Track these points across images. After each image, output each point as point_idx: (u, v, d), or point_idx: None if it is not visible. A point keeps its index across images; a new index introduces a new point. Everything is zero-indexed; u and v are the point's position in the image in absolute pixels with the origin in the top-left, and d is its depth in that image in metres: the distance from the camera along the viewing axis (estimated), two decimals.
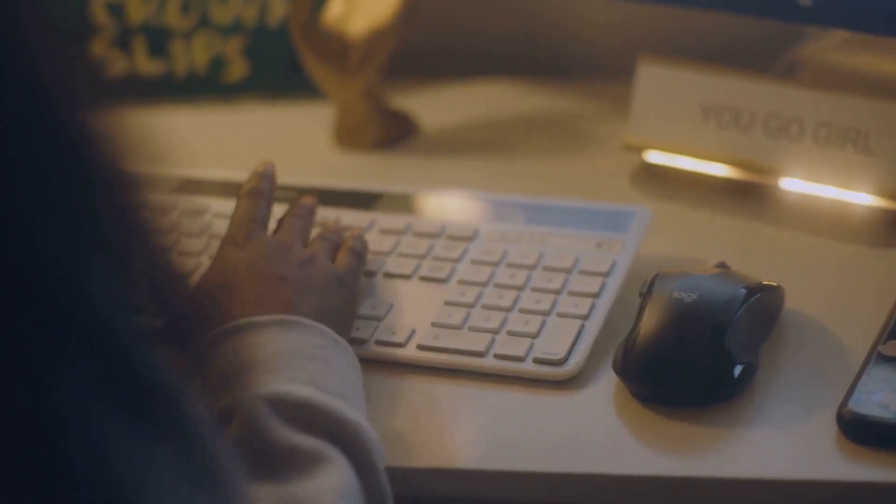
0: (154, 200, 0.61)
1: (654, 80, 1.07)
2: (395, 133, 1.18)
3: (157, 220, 0.60)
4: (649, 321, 0.84)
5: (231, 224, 0.91)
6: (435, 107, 1.23)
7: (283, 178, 1.02)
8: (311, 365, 0.78)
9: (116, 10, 1.25)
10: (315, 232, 0.94)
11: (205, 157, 1.17)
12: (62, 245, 0.50)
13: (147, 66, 1.27)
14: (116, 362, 0.50)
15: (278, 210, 0.95)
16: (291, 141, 1.20)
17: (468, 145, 1.17)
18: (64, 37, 0.56)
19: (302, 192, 1.02)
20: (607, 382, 0.86)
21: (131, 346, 0.51)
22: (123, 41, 1.26)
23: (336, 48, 1.14)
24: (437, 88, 1.27)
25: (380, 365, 0.88)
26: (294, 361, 0.78)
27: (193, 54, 1.26)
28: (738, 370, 0.82)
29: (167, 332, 0.62)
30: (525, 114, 1.22)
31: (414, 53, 1.26)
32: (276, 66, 1.25)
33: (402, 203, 1.01)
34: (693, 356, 0.82)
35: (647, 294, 0.86)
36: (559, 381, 0.86)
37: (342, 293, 0.87)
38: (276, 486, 0.70)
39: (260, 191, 0.93)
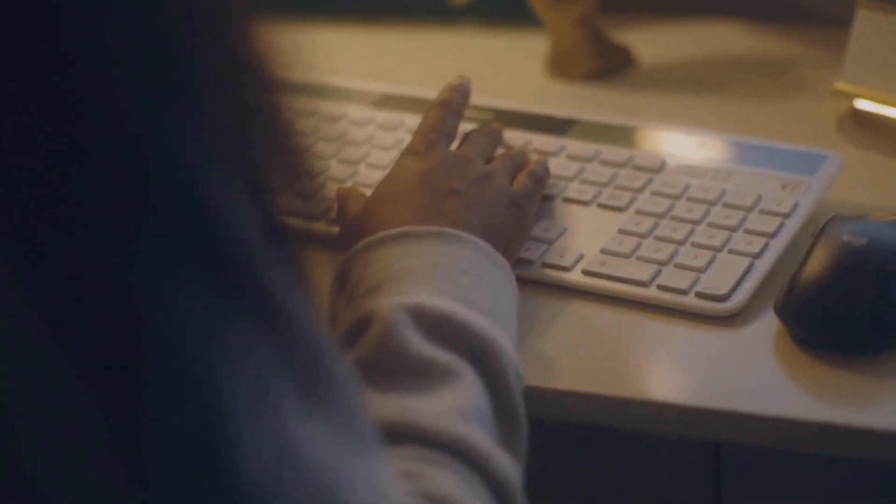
0: (297, 105, 0.60)
1: (871, 26, 1.04)
2: (609, 64, 1.17)
3: (295, 122, 0.60)
4: (814, 263, 0.81)
5: (415, 133, 0.91)
6: (654, 43, 1.22)
7: (483, 98, 1.03)
8: (463, 279, 0.78)
9: None
10: (501, 152, 0.94)
11: (419, 76, 1.18)
12: (157, 103, 0.49)
13: None
14: (200, 225, 0.49)
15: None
16: (506, 67, 1.20)
17: (681, 83, 1.16)
18: None
19: (499, 113, 1.03)
20: (769, 323, 0.84)
21: (222, 214, 0.50)
22: None
23: None
24: (658, 25, 1.25)
25: (543, 287, 0.88)
26: (446, 274, 0.78)
27: None
28: None
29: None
30: (742, 55, 1.20)
31: None
32: None
33: (596, 131, 1.00)
34: (855, 302, 0.80)
35: (817, 237, 0.83)
36: (719, 317, 0.84)
37: (513, 213, 0.87)
38: (400, 397, 0.70)
39: (450, 102, 0.93)
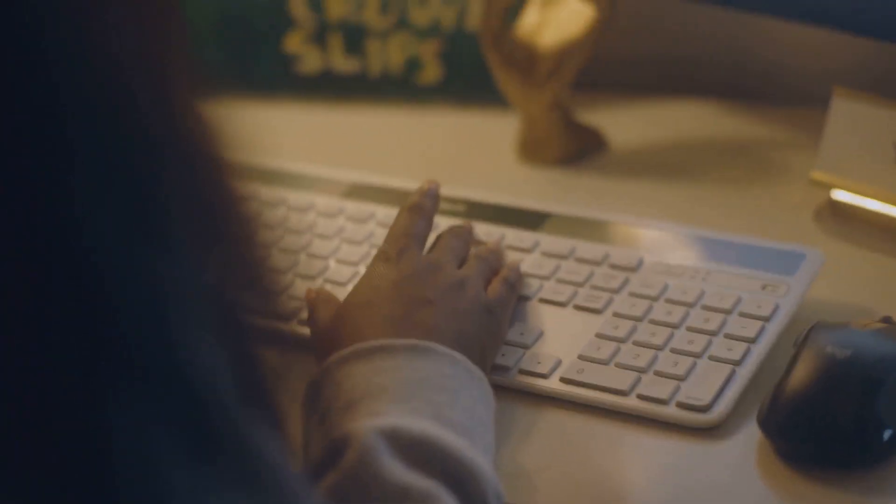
0: (254, 195, 0.58)
1: (847, 115, 1.03)
2: (581, 148, 1.16)
3: (258, 216, 0.58)
4: (798, 375, 0.80)
5: (387, 238, 0.90)
6: (625, 123, 1.20)
7: (455, 189, 1.02)
8: (438, 396, 0.76)
9: (316, 6, 1.25)
10: (474, 251, 0.93)
11: (385, 160, 1.17)
12: (128, 254, 0.48)
13: (342, 63, 1.27)
14: (173, 374, 0.49)
15: (445, 223, 0.94)
16: (475, 149, 1.19)
17: (653, 167, 1.14)
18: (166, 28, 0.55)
19: (471, 205, 1.01)
20: (751, 434, 0.82)
21: (202, 380, 0.50)
22: (320, 37, 1.26)
23: (524, 58, 1.12)
24: (629, 104, 1.24)
25: (520, 395, 0.87)
26: (420, 391, 0.76)
27: (389, 54, 1.26)
28: (887, 434, 0.78)
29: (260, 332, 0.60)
30: (715, 137, 1.18)
31: (607, 67, 1.23)
32: (471, 72, 1.23)
33: (570, 225, 0.99)
34: (840, 416, 0.78)
35: (801, 345, 0.82)
36: (702, 428, 0.82)
37: (488, 321, 0.85)
38: None
39: (421, 207, 0.92)
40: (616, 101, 1.24)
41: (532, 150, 1.15)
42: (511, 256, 0.95)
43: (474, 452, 0.73)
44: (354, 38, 1.26)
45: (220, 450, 0.50)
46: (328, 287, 0.93)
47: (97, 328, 0.47)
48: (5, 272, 0.46)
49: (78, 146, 0.47)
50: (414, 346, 0.79)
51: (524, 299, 0.92)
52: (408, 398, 0.75)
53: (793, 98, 1.20)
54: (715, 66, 1.24)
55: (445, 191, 0.98)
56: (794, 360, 0.81)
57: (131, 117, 0.49)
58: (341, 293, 0.87)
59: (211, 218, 0.54)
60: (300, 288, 0.92)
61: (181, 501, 0.48)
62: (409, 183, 1.02)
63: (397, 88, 1.26)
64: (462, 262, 0.90)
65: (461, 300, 0.85)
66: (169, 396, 0.48)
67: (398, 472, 0.71)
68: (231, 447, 0.50)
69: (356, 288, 0.86)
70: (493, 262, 0.91)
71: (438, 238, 0.92)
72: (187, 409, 0.49)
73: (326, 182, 1.07)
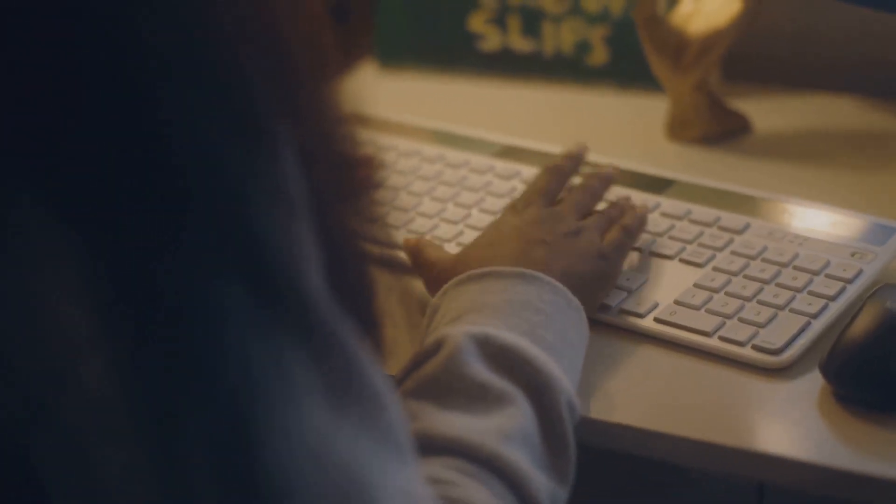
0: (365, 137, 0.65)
1: None
2: (725, 129, 1.25)
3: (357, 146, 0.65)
4: (858, 326, 0.89)
5: (522, 192, 1.01)
6: (772, 112, 1.29)
7: (599, 157, 1.13)
8: (535, 317, 0.86)
9: None
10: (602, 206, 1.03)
11: (547, 131, 1.27)
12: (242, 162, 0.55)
13: (519, 43, 1.38)
14: (244, 232, 0.55)
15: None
16: (628, 127, 1.29)
17: (791, 152, 1.23)
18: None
19: None
20: (815, 379, 0.91)
21: (286, 266, 0.56)
22: (501, 18, 1.38)
23: (675, 43, 1.22)
24: (778, 96, 1.32)
25: (618, 330, 0.97)
26: (520, 311, 0.86)
27: (561, 37, 1.37)
28: None
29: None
30: (854, 130, 1.26)
31: (762, 60, 1.33)
32: (635, 57, 1.33)
33: (693, 192, 1.09)
34: (892, 363, 0.87)
35: (866, 301, 0.91)
36: (770, 368, 0.92)
37: (599, 265, 0.95)
38: (453, 414, 0.77)
39: (560, 168, 1.02)
40: (767, 93, 1.33)
41: (678, 129, 1.25)
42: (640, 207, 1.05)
43: (554, 366, 0.82)
44: (531, 20, 1.37)
45: (281, 300, 0.56)
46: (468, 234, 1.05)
47: (184, 209, 0.54)
48: (113, 162, 0.54)
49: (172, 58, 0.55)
50: (521, 274, 0.89)
51: (637, 251, 1.03)
52: (507, 315, 0.85)
53: None
54: (859, 63, 1.32)
55: (590, 158, 1.09)
56: (857, 313, 0.90)
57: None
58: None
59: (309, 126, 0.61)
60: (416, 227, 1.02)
61: (236, 336, 0.54)
62: (557, 149, 1.14)
63: (568, 68, 1.37)
64: (584, 215, 1.00)
65: (575, 244, 0.95)
66: (236, 243, 0.55)
67: (480, 371, 0.80)
68: (291, 300, 0.56)
69: (484, 232, 0.97)
70: (615, 216, 1.00)
71: (568, 192, 1.02)
72: (253, 256, 0.55)
73: (482, 143, 1.19)
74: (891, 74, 1.30)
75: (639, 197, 1.08)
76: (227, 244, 0.55)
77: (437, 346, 0.83)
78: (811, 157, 1.22)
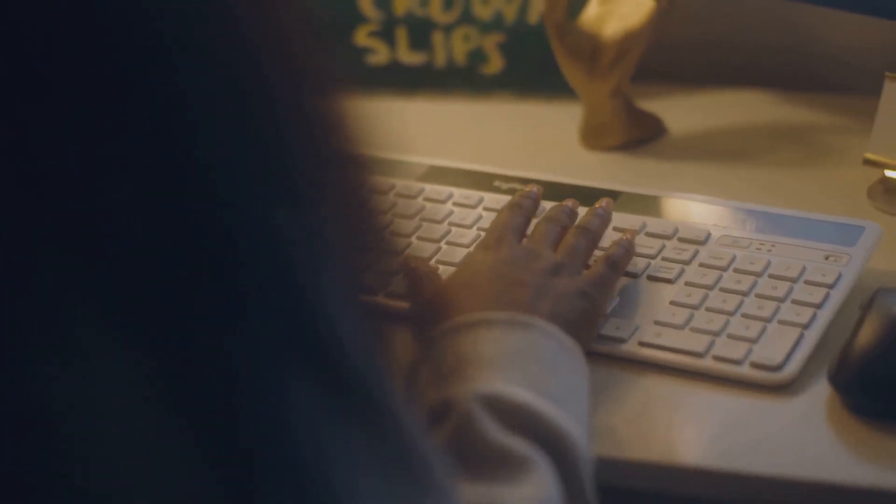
0: (377, 183, 0.62)
1: None
2: (642, 134, 1.21)
3: (377, 201, 0.62)
4: (866, 334, 0.85)
5: (488, 230, 0.95)
6: (684, 112, 1.26)
7: (529, 172, 1.07)
8: (534, 367, 0.81)
9: (383, 2, 1.31)
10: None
11: (455, 146, 1.22)
12: (270, 214, 0.51)
13: (408, 56, 1.32)
14: (305, 319, 0.51)
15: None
16: (539, 137, 1.24)
17: (711, 152, 1.20)
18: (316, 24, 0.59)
19: (543, 185, 1.06)
20: (821, 391, 0.87)
21: (337, 326, 0.52)
22: (387, 31, 1.32)
23: (588, 48, 1.17)
24: (688, 94, 1.29)
25: (601, 358, 0.92)
26: (518, 361, 0.81)
27: (452, 47, 1.31)
28: None
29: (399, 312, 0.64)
30: (772, 124, 1.24)
31: (667, 59, 1.29)
32: (532, 64, 1.29)
33: (640, 203, 1.04)
34: None
35: (867, 308, 0.87)
36: (774, 386, 0.88)
37: (582, 304, 0.89)
38: (481, 486, 0.73)
39: (522, 206, 0.97)
40: (675, 91, 1.30)
41: (595, 136, 1.21)
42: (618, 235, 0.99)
43: (568, 421, 0.78)
44: (420, 31, 1.31)
45: (345, 391, 0.52)
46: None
47: (228, 270, 0.50)
48: (150, 222, 0.49)
49: (212, 112, 0.50)
50: (512, 320, 0.83)
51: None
52: (505, 367, 0.80)
53: (847, 87, 1.25)
54: (771, 56, 1.30)
55: (519, 172, 1.05)
56: (860, 321, 0.87)
57: (261, 89, 0.53)
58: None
59: (335, 180, 0.58)
60: (401, 263, 0.97)
61: (310, 439, 0.51)
62: (487, 167, 1.09)
63: (462, 79, 1.32)
64: (557, 246, 0.94)
65: (555, 284, 0.89)
66: (296, 336, 0.51)
67: (498, 435, 0.75)
68: (356, 389, 0.53)
69: (456, 272, 0.91)
70: (590, 240, 0.95)
71: (536, 226, 0.96)
72: (313, 349, 0.52)
73: (405, 166, 1.12)
74: (809, 66, 1.28)
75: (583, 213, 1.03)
76: (286, 323, 0.52)
77: (445, 408, 0.77)
78: (735, 156, 1.19)
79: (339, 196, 0.57)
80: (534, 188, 0.99)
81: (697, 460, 0.85)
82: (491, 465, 0.74)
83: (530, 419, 0.77)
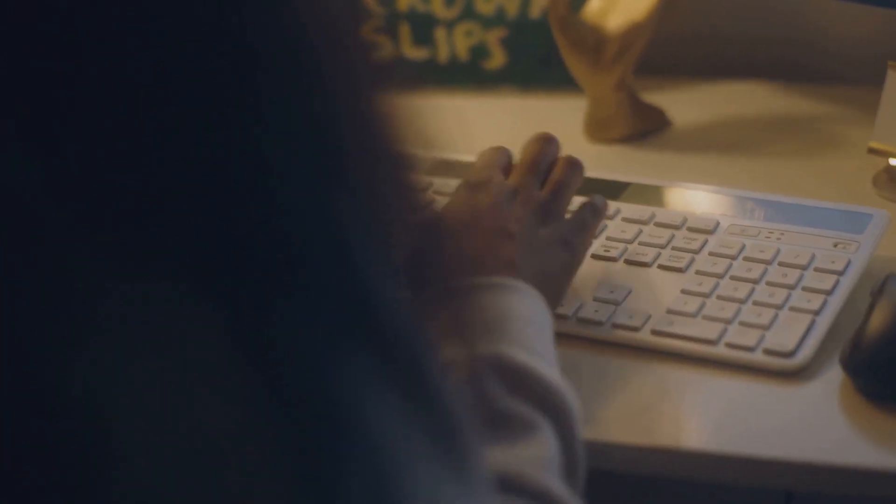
0: (414, 178, 0.64)
1: None
2: (646, 126, 1.22)
3: (416, 194, 0.63)
4: (878, 319, 0.86)
5: (473, 168, 0.96)
6: (688, 104, 1.27)
7: None
8: (527, 329, 0.82)
9: None
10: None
11: (461, 139, 1.22)
12: (317, 200, 0.52)
13: (411, 51, 1.33)
14: (362, 312, 0.53)
15: None
16: (541, 130, 1.25)
17: (716, 143, 1.21)
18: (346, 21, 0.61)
19: None
20: (832, 376, 0.88)
21: (383, 298, 0.54)
22: (390, 27, 1.32)
23: (592, 41, 1.18)
24: (691, 86, 1.30)
25: (614, 347, 0.93)
26: (514, 324, 0.82)
27: (455, 42, 1.32)
28: None
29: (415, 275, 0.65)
30: (774, 115, 1.25)
31: (671, 52, 1.30)
32: (534, 58, 1.30)
33: (648, 194, 1.05)
34: None
35: (878, 294, 0.88)
36: (787, 372, 0.89)
37: (564, 257, 0.91)
38: (490, 448, 0.73)
39: (502, 149, 0.98)
40: (679, 84, 1.31)
41: (600, 129, 1.22)
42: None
43: (561, 381, 0.79)
44: (423, 27, 1.32)
45: (390, 358, 0.54)
46: None
47: (285, 257, 0.51)
48: (208, 209, 0.51)
49: (271, 101, 0.52)
50: (503, 285, 0.84)
51: (610, 261, 0.99)
52: (503, 330, 0.81)
53: (849, 77, 1.26)
54: (773, 48, 1.31)
55: None
56: (872, 306, 0.88)
57: (318, 76, 0.55)
58: None
59: (384, 165, 0.60)
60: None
61: (366, 401, 0.52)
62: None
63: (464, 74, 1.33)
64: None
65: (541, 236, 0.90)
66: (352, 318, 0.52)
67: (502, 397, 0.76)
68: (404, 359, 0.54)
69: (447, 217, 0.91)
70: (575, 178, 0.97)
71: (520, 163, 0.97)
72: (363, 318, 0.53)
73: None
74: (812, 57, 1.29)
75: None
76: (345, 309, 0.53)
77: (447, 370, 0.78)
78: (739, 147, 1.20)
79: (387, 184, 0.59)
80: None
81: (710, 445, 0.86)
82: (494, 427, 0.75)
83: (531, 381, 0.78)
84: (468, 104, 1.32)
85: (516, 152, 1.08)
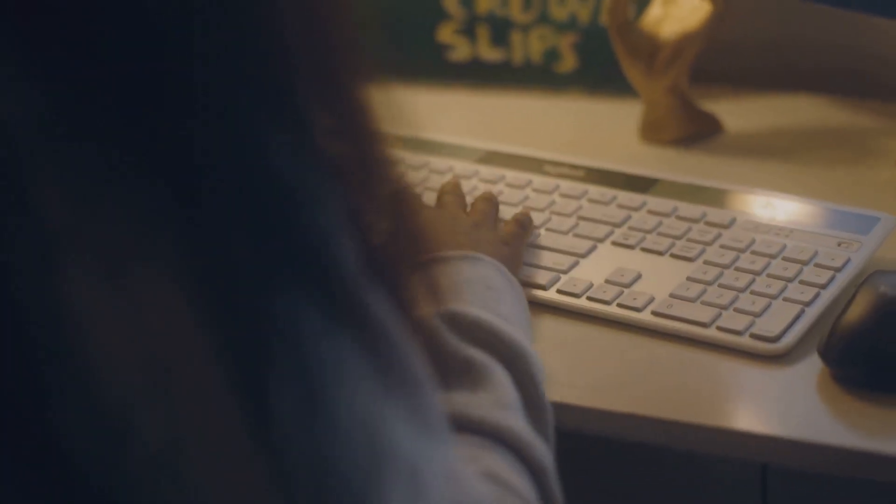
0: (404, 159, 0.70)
1: None
2: (697, 130, 1.28)
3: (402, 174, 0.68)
4: (854, 311, 0.92)
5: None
6: (741, 113, 1.33)
7: (577, 158, 1.16)
8: (487, 293, 0.90)
9: (466, 1, 1.39)
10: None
11: (523, 137, 1.30)
12: (301, 174, 0.58)
13: (488, 52, 1.41)
14: (322, 266, 0.59)
15: (566, 186, 1.10)
16: (604, 130, 1.32)
17: (761, 149, 1.26)
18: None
19: (589, 171, 1.15)
20: (813, 364, 0.94)
21: (332, 258, 0.59)
22: (469, 29, 1.40)
23: (647, 47, 1.25)
24: (746, 96, 1.36)
25: (616, 324, 1.00)
26: (474, 289, 0.90)
27: (530, 45, 1.40)
28: None
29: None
30: (827, 127, 1.30)
31: (729, 62, 1.36)
32: (603, 63, 1.36)
33: (676, 190, 1.12)
34: (887, 344, 0.90)
35: (859, 287, 0.94)
36: (769, 356, 0.95)
37: (506, 251, 1.00)
38: (449, 393, 0.80)
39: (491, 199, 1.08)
40: (736, 94, 1.37)
41: (652, 131, 1.28)
42: (604, 210, 1.08)
43: (519, 333, 0.86)
44: (500, 30, 1.40)
45: (342, 304, 0.59)
46: None
47: (235, 197, 0.57)
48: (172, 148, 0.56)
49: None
50: (464, 256, 0.93)
51: (628, 248, 1.06)
52: (461, 292, 0.89)
53: (893, 94, 1.31)
54: (828, 63, 1.36)
55: (570, 159, 1.13)
56: (851, 299, 0.93)
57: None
58: None
59: (354, 154, 0.64)
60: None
61: (310, 339, 0.58)
62: (539, 153, 1.18)
63: (537, 76, 1.40)
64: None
65: (483, 235, 1.00)
66: (301, 271, 0.58)
67: (459, 346, 0.84)
68: (350, 303, 0.60)
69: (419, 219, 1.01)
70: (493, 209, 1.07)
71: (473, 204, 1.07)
72: (317, 282, 0.58)
73: (464, 149, 1.21)
74: (855, 75, 1.34)
75: (624, 196, 1.11)
76: (290, 246, 0.58)
77: (412, 329, 0.85)
78: (783, 154, 1.25)
79: (358, 156, 0.64)
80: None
81: (694, 418, 0.91)
82: (452, 374, 0.82)
83: (486, 332, 0.85)
84: (539, 104, 1.39)
85: (576, 150, 1.16)
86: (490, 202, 1.07)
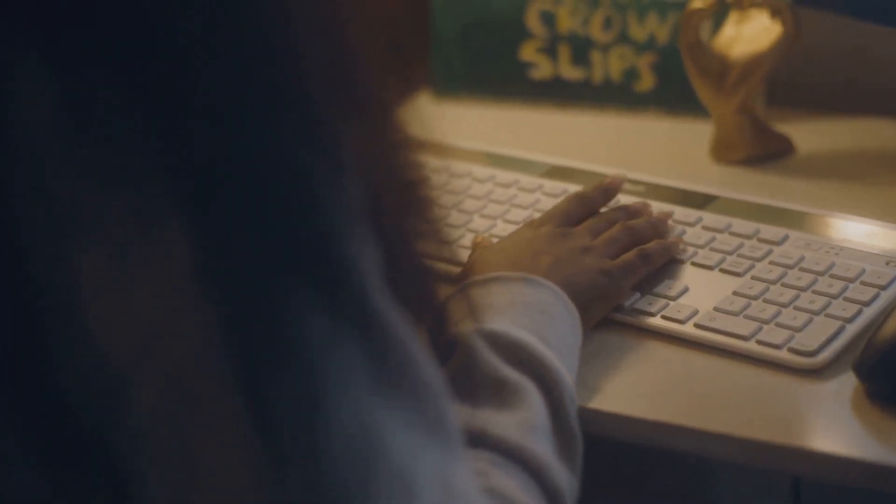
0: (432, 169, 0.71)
1: None
2: (767, 150, 1.29)
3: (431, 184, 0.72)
4: (889, 326, 0.92)
5: (545, 212, 1.06)
6: (814, 135, 1.33)
7: (640, 174, 1.17)
8: (538, 317, 0.91)
9: (549, 20, 1.42)
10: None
11: (599, 154, 1.32)
12: (316, 178, 0.60)
13: (569, 71, 1.43)
14: (331, 269, 0.61)
15: (625, 200, 1.12)
16: (675, 149, 1.33)
17: (835, 172, 1.26)
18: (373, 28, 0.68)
19: (649, 186, 1.17)
20: (850, 379, 0.94)
21: (352, 264, 0.62)
22: (551, 48, 1.43)
23: (717, 67, 1.26)
24: (824, 119, 1.36)
25: (659, 335, 1.01)
26: (524, 311, 0.91)
27: (609, 65, 1.41)
28: None
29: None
30: (892, 150, 1.30)
31: (806, 85, 1.37)
32: (681, 83, 1.37)
33: (733, 207, 1.13)
34: None
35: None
36: (806, 370, 0.96)
37: (600, 279, 1.00)
38: (475, 408, 0.82)
39: (585, 196, 1.08)
40: (810, 118, 1.37)
41: (722, 150, 1.29)
42: (674, 232, 1.10)
43: (559, 363, 0.88)
44: (581, 49, 1.42)
45: (348, 308, 0.61)
46: None
47: (248, 192, 0.60)
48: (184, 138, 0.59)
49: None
50: (523, 278, 0.94)
51: (678, 261, 1.07)
52: (513, 314, 0.90)
53: None
54: None
55: (631, 174, 1.15)
56: (889, 314, 0.94)
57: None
58: None
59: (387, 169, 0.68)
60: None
61: (313, 340, 0.61)
62: (602, 168, 1.20)
63: (616, 95, 1.42)
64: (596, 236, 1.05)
65: (579, 261, 1.00)
66: (309, 272, 0.61)
67: (497, 366, 0.85)
68: (357, 308, 0.62)
69: (498, 242, 1.03)
70: (643, 234, 1.06)
71: (590, 218, 1.07)
72: (325, 285, 0.61)
73: (531, 164, 1.24)
74: None
75: (681, 212, 1.13)
76: (297, 244, 0.61)
77: (451, 345, 0.88)
78: (852, 176, 1.26)
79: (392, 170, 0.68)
80: (614, 181, 1.09)
81: (730, 429, 0.93)
82: (484, 391, 0.84)
83: (527, 354, 0.86)
84: (617, 123, 1.41)
85: (645, 167, 1.18)
86: (626, 231, 1.05)
